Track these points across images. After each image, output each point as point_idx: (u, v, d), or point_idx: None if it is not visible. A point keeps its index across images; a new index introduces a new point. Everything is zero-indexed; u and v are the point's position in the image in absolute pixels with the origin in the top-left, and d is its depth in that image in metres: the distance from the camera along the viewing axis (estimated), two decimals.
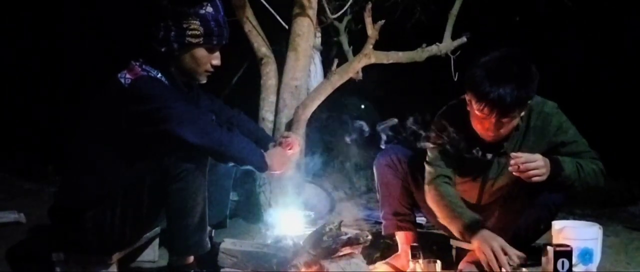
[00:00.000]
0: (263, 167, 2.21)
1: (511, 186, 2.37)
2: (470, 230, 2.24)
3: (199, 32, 2.11)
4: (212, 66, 2.21)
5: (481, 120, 2.19)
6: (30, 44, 5.61)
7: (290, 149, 2.42)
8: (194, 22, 2.10)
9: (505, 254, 2.13)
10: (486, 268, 2.18)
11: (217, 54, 2.22)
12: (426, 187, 2.41)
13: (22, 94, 5.55)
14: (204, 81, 2.26)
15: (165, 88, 2.12)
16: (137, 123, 2.05)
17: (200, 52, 2.16)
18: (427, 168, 2.41)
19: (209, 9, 2.13)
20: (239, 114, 2.53)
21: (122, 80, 2.08)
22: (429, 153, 2.41)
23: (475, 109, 2.17)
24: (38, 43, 5.65)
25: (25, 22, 5.55)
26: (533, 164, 2.06)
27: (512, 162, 2.06)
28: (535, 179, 2.08)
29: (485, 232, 2.21)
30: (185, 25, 2.10)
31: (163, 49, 2.11)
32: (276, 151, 2.33)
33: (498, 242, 2.17)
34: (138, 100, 2.05)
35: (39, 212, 3.38)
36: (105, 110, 2.13)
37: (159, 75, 2.14)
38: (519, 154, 2.09)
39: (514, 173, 2.09)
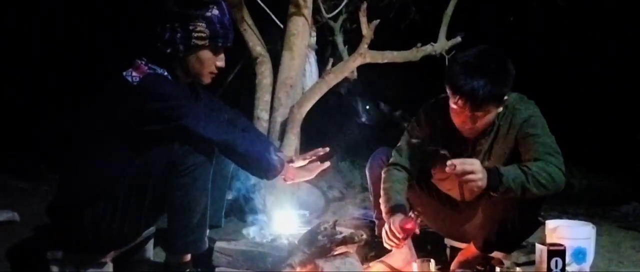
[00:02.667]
0: (276, 171, 2.21)
1: None
2: (390, 212, 2.35)
3: (204, 34, 2.12)
4: (217, 68, 2.23)
5: (457, 114, 2.24)
6: (23, 43, 5.59)
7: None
8: (200, 24, 2.11)
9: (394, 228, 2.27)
10: (387, 245, 2.36)
11: (222, 55, 2.23)
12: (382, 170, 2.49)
13: (16, 92, 5.53)
14: (208, 82, 2.27)
15: (175, 86, 2.14)
16: (147, 121, 2.05)
17: (206, 54, 2.17)
18: (392, 153, 2.50)
19: (215, 12, 2.14)
20: (239, 115, 2.53)
21: (129, 79, 2.08)
22: (400, 141, 2.50)
23: (452, 102, 2.22)
24: (32, 42, 5.63)
25: (19, 20, 5.53)
26: (469, 167, 2.02)
27: (448, 163, 2.04)
28: (471, 185, 2.05)
29: (396, 215, 2.31)
30: (191, 28, 2.11)
31: (168, 50, 2.12)
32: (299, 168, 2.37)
33: (395, 220, 2.29)
34: (149, 98, 2.05)
35: (33, 211, 3.37)
36: (110, 108, 2.12)
37: (165, 73, 2.14)
38: (457, 159, 2.07)
39: (454, 176, 2.08)
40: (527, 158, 2.23)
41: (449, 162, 2.03)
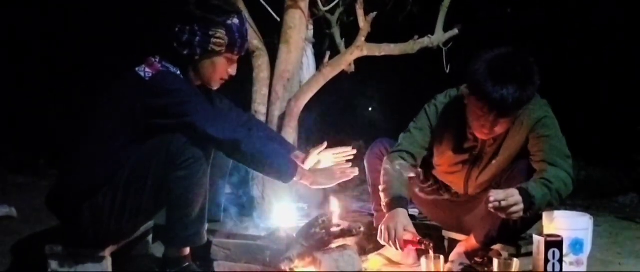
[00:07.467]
0: (289, 174, 2.21)
1: (493, 181, 2.39)
2: (391, 205, 2.32)
3: (223, 41, 2.16)
4: (228, 75, 2.26)
5: (478, 117, 2.19)
6: (22, 39, 5.59)
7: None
8: (220, 31, 2.15)
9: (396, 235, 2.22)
10: (381, 241, 2.30)
11: (235, 65, 2.27)
12: (386, 155, 2.46)
13: (14, 89, 5.53)
14: (216, 88, 2.31)
15: (186, 84, 2.17)
16: (155, 115, 2.07)
17: (220, 61, 2.21)
18: (400, 138, 2.48)
19: (236, 21, 2.18)
20: (253, 117, 2.55)
21: (142, 74, 2.10)
22: (409, 126, 2.47)
23: (474, 106, 2.17)
24: (30, 38, 5.62)
25: (19, 17, 5.53)
26: (512, 201, 2.00)
27: (491, 199, 1.99)
28: (515, 216, 2.04)
29: (399, 211, 2.28)
30: (211, 33, 2.14)
31: (185, 52, 2.15)
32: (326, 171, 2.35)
33: (399, 223, 2.24)
34: (160, 94, 2.07)
35: (31, 206, 3.37)
36: (119, 102, 2.13)
37: (178, 72, 2.17)
38: (499, 192, 2.02)
39: (493, 211, 2.02)
40: (537, 159, 2.23)
41: (492, 199, 1.99)
